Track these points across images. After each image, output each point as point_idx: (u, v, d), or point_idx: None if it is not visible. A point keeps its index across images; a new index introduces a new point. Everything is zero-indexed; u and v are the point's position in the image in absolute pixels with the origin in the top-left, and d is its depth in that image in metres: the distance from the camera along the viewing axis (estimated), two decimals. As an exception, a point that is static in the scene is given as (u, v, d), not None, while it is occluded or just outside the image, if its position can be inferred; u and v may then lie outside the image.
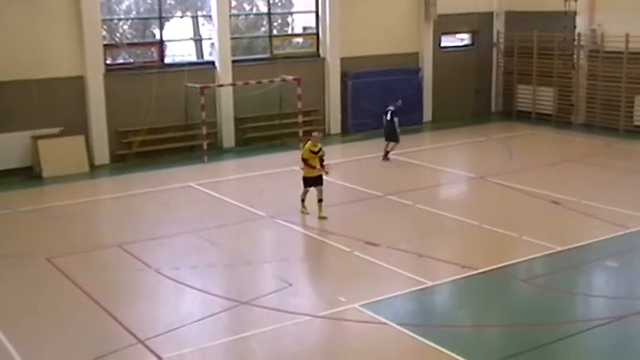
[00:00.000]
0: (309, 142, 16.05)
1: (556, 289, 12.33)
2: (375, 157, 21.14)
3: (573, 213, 16.28)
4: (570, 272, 13.26)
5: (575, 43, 26.53)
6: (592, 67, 26.26)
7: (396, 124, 21.24)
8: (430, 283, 12.52)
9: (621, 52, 24.98)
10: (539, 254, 13.81)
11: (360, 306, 11.61)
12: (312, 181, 15.98)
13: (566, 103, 27.15)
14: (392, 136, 21.39)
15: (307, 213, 16.11)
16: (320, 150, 16.07)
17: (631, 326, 11.09)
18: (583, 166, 20.75)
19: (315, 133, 16.40)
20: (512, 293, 12.55)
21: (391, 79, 25.84)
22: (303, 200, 16.24)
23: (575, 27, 26.46)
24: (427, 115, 27.48)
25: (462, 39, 29.12)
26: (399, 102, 21.40)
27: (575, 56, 26.70)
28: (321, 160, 16.08)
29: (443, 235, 15.30)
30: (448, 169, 20.96)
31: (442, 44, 28.06)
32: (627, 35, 24.53)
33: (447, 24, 27.67)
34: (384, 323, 11.06)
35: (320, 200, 15.90)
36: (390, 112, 21.34)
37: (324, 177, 16.11)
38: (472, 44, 29.02)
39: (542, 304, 12.00)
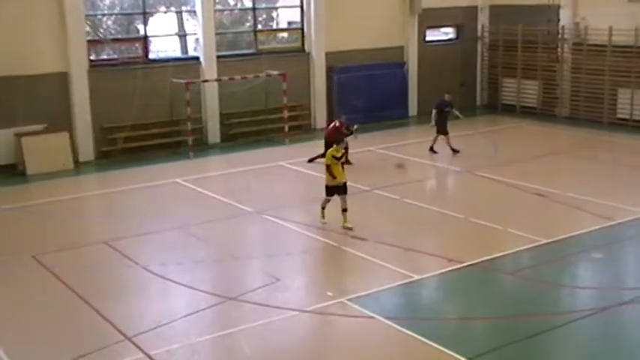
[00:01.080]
0: (333, 148, 15.11)
1: (542, 281, 12.41)
2: (361, 152, 21.13)
3: (558, 205, 16.38)
4: (556, 264, 13.34)
5: (559, 36, 26.67)
6: (576, 60, 26.41)
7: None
8: (417, 277, 12.56)
9: (604, 45, 25.12)
10: (525, 247, 13.89)
11: (348, 300, 11.63)
12: (335, 190, 14.96)
13: (551, 96, 27.30)
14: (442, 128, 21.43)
15: (325, 222, 15.13)
16: (343, 155, 15.31)
17: (616, 317, 11.18)
18: (568, 159, 20.88)
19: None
20: (499, 286, 12.62)
21: (376, 73, 25.90)
22: (323, 208, 15.19)
23: (559, 20, 26.60)
24: (412, 109, 27.53)
25: (447, 33, 29.21)
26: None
27: (559, 49, 26.84)
28: (346, 161, 15.29)
29: (429, 229, 15.36)
30: (434, 162, 21.02)
31: (427, 38, 28.12)
32: (610, 28, 24.67)
33: (431, 18, 27.72)
34: (372, 317, 11.09)
35: (344, 210, 14.89)
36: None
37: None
38: (457, 38, 29.11)
39: (528, 296, 12.08)
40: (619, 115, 25.21)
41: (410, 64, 27.34)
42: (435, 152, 21.32)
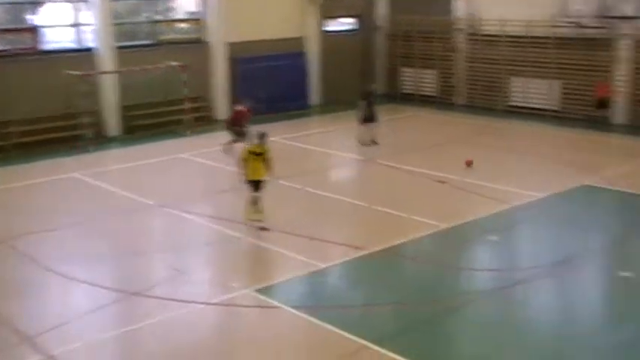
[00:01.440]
0: (255, 145, 14.41)
1: (442, 265, 12.77)
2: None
3: (458, 191, 16.85)
4: (456, 248, 13.78)
5: (455, 26, 27.40)
6: (471, 49, 27.20)
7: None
8: (322, 266, 12.69)
9: (498, 35, 25.99)
10: (427, 232, 14.25)
11: (254, 291, 11.64)
12: (257, 184, 14.33)
13: (448, 85, 28.03)
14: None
15: (258, 220, 14.35)
16: (264, 153, 14.34)
17: (512, 296, 11.65)
18: (466, 146, 21.47)
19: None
20: (402, 271, 12.91)
21: (278, 63, 25.89)
22: (255, 204, 14.37)
23: (455, 11, 27.35)
24: (315, 99, 27.71)
25: (347, 23, 29.49)
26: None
27: (455, 39, 27.58)
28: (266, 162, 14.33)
29: (334, 218, 15.52)
30: (336, 151, 21.23)
31: (327, 28, 28.33)
32: (502, 19, 25.55)
33: (331, 8, 27.94)
34: (278, 307, 11.14)
35: (254, 203, 14.35)
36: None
37: None
38: (357, 28, 29.44)
39: (430, 280, 12.41)
40: (512, 103, 26.16)
41: (311, 55, 27.49)
42: (376, 143, 21.29)
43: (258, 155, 14.37)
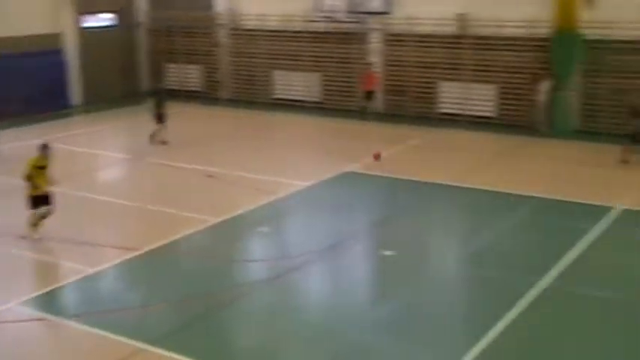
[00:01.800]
0: (36, 157, 13.58)
1: (216, 259, 12.87)
2: (18, 146, 19.88)
3: (228, 185, 17.05)
4: (228, 241, 13.95)
5: (217, 22, 27.61)
6: (234, 44, 27.57)
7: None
8: (93, 271, 12.26)
9: (258, 30, 26.60)
10: (200, 227, 14.28)
11: (17, 305, 10.98)
12: (41, 200, 13.48)
13: (213, 80, 28.20)
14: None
15: (38, 238, 13.52)
16: (47, 164, 13.64)
17: (285, 284, 12.03)
18: (233, 140, 21.77)
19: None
20: (177, 268, 12.81)
21: (31, 62, 24.43)
22: (34, 225, 13.54)
23: (216, 6, 27.54)
24: (77, 98, 26.57)
25: (107, 19, 28.52)
26: None
27: (217, 35, 27.78)
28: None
29: (104, 220, 15.05)
30: (103, 151, 20.57)
31: (86, 24, 27.24)
32: (261, 14, 26.19)
33: (88, 3, 26.91)
34: (44, 319, 10.61)
35: (43, 217, 13.59)
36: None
37: None
38: (117, 24, 28.61)
39: (205, 275, 12.45)
40: (276, 96, 26.91)
41: (70, 52, 26.30)
42: (165, 143, 20.78)
43: (43, 169, 13.57)
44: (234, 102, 27.28)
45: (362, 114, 24.35)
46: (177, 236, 13.83)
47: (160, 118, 20.91)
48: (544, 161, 19.10)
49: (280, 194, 16.28)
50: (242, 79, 27.60)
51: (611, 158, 18.65)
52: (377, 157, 19.06)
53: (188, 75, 28.48)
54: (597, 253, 12.97)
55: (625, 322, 10.54)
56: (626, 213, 14.93)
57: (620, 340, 10.06)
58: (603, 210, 14.97)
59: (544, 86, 21.93)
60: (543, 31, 21.86)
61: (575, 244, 13.17)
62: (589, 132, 21.15)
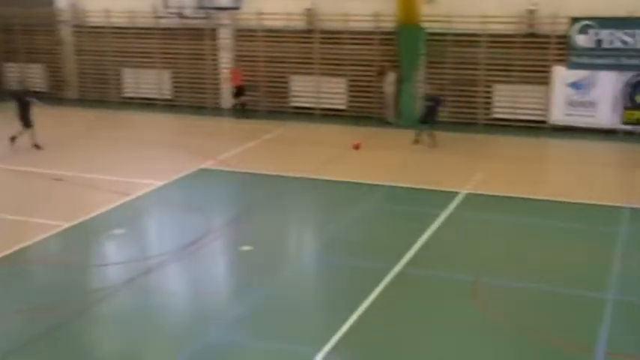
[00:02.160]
0: None
1: (72, 265, 12.47)
2: None
3: (78, 187, 16.52)
4: (83, 246, 13.52)
5: (59, 18, 26.59)
6: (78, 42, 26.65)
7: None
8: None
9: (104, 27, 25.86)
10: (51, 233, 13.75)
11: None
12: None
13: (57, 79, 27.15)
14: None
15: None
16: None
17: (144, 286, 11.82)
18: (84, 141, 21.09)
19: None
20: (30, 277, 12.29)
21: None
22: None
23: (57, 2, 26.51)
24: None
25: None
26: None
27: (60, 32, 26.75)
28: None
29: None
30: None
31: None
32: (107, 10, 25.47)
33: None
34: None
35: None
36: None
37: None
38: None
39: (60, 282, 12.02)
40: (125, 95, 26.30)
41: None
42: (39, 147, 19.80)
43: None
44: (82, 102, 26.41)
45: (235, 111, 24.27)
46: (29, 243, 13.26)
47: (24, 122, 19.91)
48: (394, 150, 19.85)
49: (135, 195, 15.96)
50: (89, 78, 26.75)
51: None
52: (357, 147, 19.70)
53: (30, 74, 27.22)
54: (446, 236, 13.67)
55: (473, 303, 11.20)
56: (470, 197, 15.82)
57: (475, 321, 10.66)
58: (451, 195, 15.80)
59: (390, 78, 22.77)
60: (388, 24, 22.66)
61: (426, 229, 13.82)
62: (435, 121, 22.16)
